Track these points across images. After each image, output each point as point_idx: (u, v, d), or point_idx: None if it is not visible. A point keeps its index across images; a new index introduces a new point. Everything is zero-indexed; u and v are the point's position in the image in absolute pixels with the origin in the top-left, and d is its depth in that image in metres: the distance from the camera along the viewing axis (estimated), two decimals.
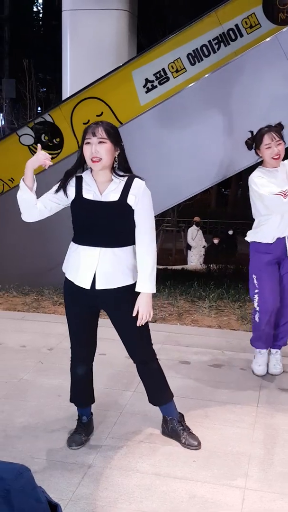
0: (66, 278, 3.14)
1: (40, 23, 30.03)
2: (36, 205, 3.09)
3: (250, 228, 4.23)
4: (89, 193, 3.01)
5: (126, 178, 3.00)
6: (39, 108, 21.29)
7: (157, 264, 3.17)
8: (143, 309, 3.02)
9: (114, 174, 2.99)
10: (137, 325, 3.02)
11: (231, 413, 3.69)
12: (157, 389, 3.31)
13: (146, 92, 7.33)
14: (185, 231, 19.83)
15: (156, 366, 3.27)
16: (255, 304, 4.21)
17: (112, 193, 2.99)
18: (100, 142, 2.91)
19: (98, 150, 2.91)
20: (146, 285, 3.02)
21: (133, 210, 3.00)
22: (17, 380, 4.18)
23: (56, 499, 2.66)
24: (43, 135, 7.49)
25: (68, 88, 9.15)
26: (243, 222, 19.97)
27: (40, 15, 30.08)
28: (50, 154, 8.10)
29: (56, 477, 2.94)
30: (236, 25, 7.10)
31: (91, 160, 2.93)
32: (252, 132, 4.13)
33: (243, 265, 9.79)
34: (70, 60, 9.31)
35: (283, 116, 6.48)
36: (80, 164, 3.06)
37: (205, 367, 4.48)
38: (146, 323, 3.12)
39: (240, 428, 3.51)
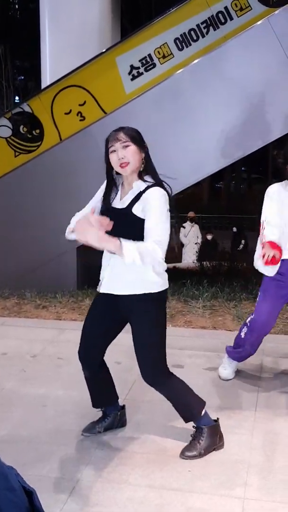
0: None
1: (16, 6, 29.88)
2: None
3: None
4: (111, 196, 3.15)
5: (145, 186, 3.06)
6: (16, 98, 21.21)
7: None
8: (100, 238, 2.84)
9: (140, 180, 3.08)
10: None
11: (228, 419, 3.71)
12: (176, 408, 3.36)
13: (132, 79, 7.33)
14: (176, 226, 19.85)
15: (166, 391, 3.31)
16: (248, 318, 4.23)
17: (126, 201, 3.08)
18: (124, 147, 3.02)
19: (125, 154, 3.02)
20: (126, 245, 2.85)
21: (141, 219, 3.02)
22: None
23: None
24: (21, 127, 7.47)
25: (47, 76, 9.12)
26: (239, 217, 20.09)
27: None
28: (29, 146, 8.08)
29: (42, 493, 2.92)
30: (226, 8, 7.11)
31: (120, 166, 3.03)
32: (278, 151, 4.05)
33: (238, 262, 9.82)
34: (49, 46, 9.27)
35: (276, 100, 6.56)
36: (108, 177, 3.16)
37: (200, 371, 4.50)
38: (155, 347, 3.19)
39: (238, 434, 3.53)
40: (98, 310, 3.30)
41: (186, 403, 3.34)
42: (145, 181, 3.08)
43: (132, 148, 3.03)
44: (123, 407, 3.64)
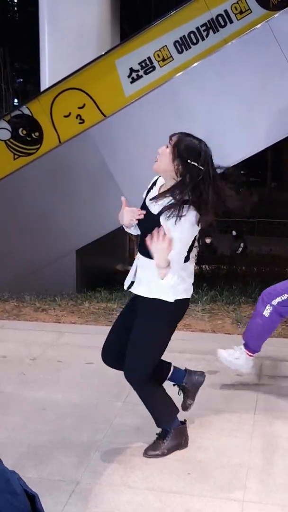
0: None
1: (15, 8, 29.94)
2: None
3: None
4: (149, 193, 3.23)
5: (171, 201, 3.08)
6: (15, 100, 21.24)
7: None
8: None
9: (170, 195, 3.08)
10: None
11: (228, 422, 3.73)
12: (148, 409, 3.38)
13: (131, 82, 7.36)
14: None
15: (138, 393, 3.32)
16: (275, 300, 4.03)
17: (160, 207, 3.10)
18: (166, 146, 3.10)
19: (160, 152, 3.10)
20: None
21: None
22: None
23: None
24: (20, 129, 7.49)
25: (46, 79, 9.14)
26: (238, 220, 20.08)
27: (15, 0, 30.00)
28: (28, 149, 8.06)
29: (42, 496, 2.92)
30: (225, 11, 7.13)
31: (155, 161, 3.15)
32: None
33: (237, 265, 9.82)
34: (48, 48, 9.29)
35: (276, 103, 6.58)
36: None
37: None
38: (143, 348, 3.20)
39: (237, 437, 3.54)
40: (128, 305, 3.45)
41: (154, 413, 3.36)
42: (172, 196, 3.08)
43: (166, 150, 3.07)
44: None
